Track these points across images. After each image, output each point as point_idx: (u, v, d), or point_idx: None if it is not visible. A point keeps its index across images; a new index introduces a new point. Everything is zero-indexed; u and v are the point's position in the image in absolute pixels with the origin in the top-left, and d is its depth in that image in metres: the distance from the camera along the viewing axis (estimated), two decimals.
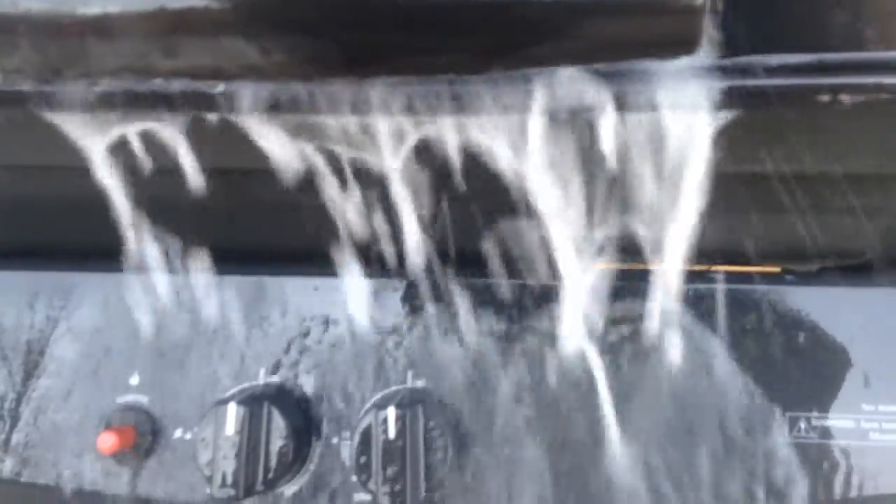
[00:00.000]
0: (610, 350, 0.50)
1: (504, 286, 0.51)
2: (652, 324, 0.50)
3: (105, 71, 0.30)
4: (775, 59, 0.36)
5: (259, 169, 0.44)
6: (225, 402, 0.48)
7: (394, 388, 0.50)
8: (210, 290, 0.53)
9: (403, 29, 0.28)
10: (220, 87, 0.30)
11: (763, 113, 0.38)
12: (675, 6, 0.28)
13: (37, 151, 0.39)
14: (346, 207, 0.46)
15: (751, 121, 0.38)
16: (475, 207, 0.47)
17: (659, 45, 0.29)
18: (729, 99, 0.36)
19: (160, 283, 0.53)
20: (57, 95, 0.32)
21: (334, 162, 0.42)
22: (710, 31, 0.33)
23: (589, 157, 0.40)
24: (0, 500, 0.53)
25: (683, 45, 0.29)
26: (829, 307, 0.49)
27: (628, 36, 0.29)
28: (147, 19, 0.27)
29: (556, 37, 0.29)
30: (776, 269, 0.57)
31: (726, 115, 0.38)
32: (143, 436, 0.51)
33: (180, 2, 0.27)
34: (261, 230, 0.49)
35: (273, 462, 0.48)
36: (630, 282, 0.51)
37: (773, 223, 0.49)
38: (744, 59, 0.35)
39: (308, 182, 0.44)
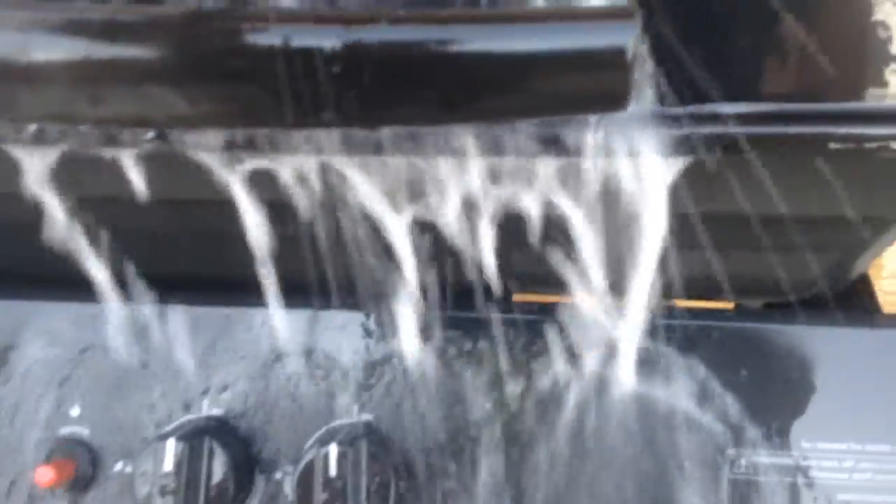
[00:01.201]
0: (559, 383, 0.50)
1: (452, 319, 0.51)
2: (602, 358, 0.50)
3: (31, 117, 0.29)
4: (716, 108, 0.37)
5: (205, 200, 0.44)
6: (164, 437, 0.47)
7: (338, 422, 0.50)
8: (155, 321, 0.52)
9: (338, 82, 0.28)
10: (150, 135, 0.29)
11: (706, 159, 0.38)
12: (605, 62, 0.28)
13: None
14: (288, 239, 0.46)
15: (696, 166, 0.39)
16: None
17: (590, 100, 0.30)
18: (676, 146, 0.37)
19: (104, 313, 0.52)
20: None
21: (282, 197, 0.42)
22: (653, 81, 0.34)
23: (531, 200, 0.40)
24: None
25: (614, 99, 0.29)
26: (772, 345, 0.50)
27: (559, 91, 0.30)
28: (72, 68, 0.27)
29: (487, 93, 0.29)
30: (728, 305, 0.58)
31: (675, 162, 0.38)
32: (83, 469, 0.50)
33: (105, 51, 0.27)
34: (204, 261, 0.49)
35: (213, 497, 0.48)
36: (581, 316, 0.51)
37: (720, 260, 0.49)
38: (689, 109, 0.36)
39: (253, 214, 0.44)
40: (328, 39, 0.27)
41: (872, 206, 0.45)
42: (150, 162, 0.38)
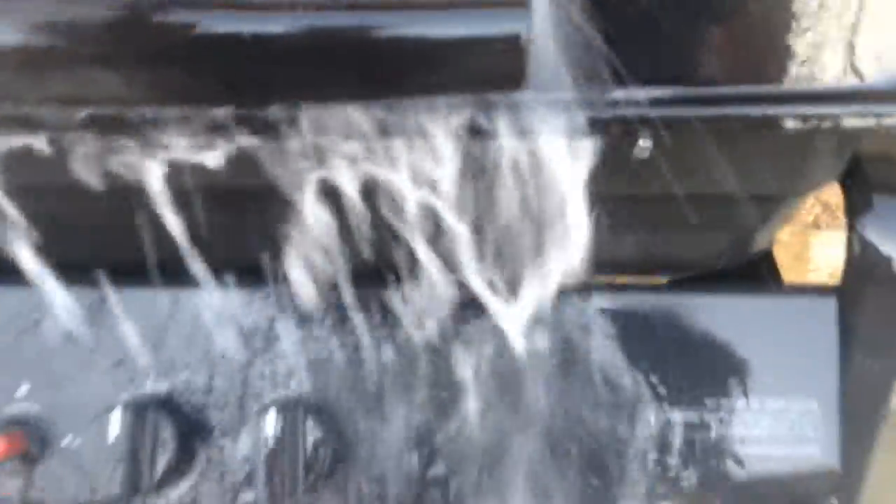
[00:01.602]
0: (496, 353, 0.53)
1: (389, 296, 0.54)
2: (540, 331, 0.54)
3: None
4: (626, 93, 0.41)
5: (136, 188, 0.46)
6: (111, 409, 0.50)
7: (278, 393, 0.53)
8: (100, 303, 0.54)
9: (254, 63, 0.31)
10: (83, 114, 0.32)
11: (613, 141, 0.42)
12: (500, 47, 0.32)
13: None
14: (224, 220, 0.48)
15: (607, 148, 0.43)
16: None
17: (489, 81, 0.33)
18: (588, 129, 0.41)
19: (52, 296, 0.54)
20: None
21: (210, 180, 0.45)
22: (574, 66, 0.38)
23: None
24: None
25: (511, 80, 0.33)
26: (683, 313, 0.54)
27: (461, 72, 0.33)
28: (14, 53, 0.30)
29: (398, 73, 0.32)
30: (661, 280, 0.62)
31: (586, 143, 0.42)
32: (33, 442, 0.52)
33: (43, 39, 0.30)
34: (139, 244, 0.51)
35: (159, 465, 0.50)
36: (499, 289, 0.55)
37: (628, 239, 0.53)
38: (600, 92, 0.40)
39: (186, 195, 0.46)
40: (247, 26, 0.30)
41: (766, 183, 0.49)
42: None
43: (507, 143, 0.41)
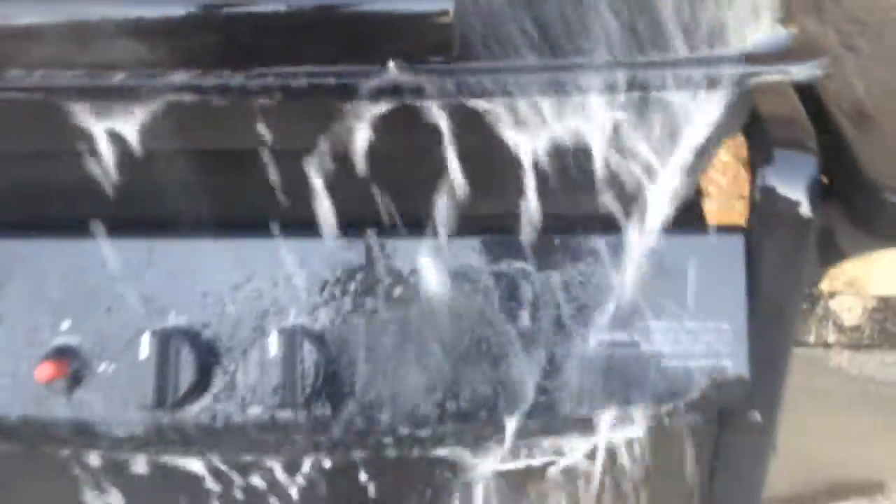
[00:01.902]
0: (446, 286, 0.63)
1: (370, 241, 0.64)
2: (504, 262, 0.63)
3: (39, 65, 0.43)
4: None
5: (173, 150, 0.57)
6: (140, 334, 0.60)
7: (277, 324, 0.63)
8: (131, 253, 0.65)
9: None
10: (120, 77, 0.42)
11: None
12: (431, 20, 0.42)
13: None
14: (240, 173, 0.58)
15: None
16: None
17: (424, 50, 0.43)
18: None
19: (89, 245, 0.65)
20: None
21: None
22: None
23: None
24: None
25: (441, 49, 0.43)
26: (620, 250, 0.63)
27: (400, 42, 0.43)
28: (62, 27, 0.41)
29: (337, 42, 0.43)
30: None
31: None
32: (75, 368, 0.63)
33: (82, 15, 0.41)
34: (155, 200, 0.61)
35: (182, 383, 0.61)
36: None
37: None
38: None
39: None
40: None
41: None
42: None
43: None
